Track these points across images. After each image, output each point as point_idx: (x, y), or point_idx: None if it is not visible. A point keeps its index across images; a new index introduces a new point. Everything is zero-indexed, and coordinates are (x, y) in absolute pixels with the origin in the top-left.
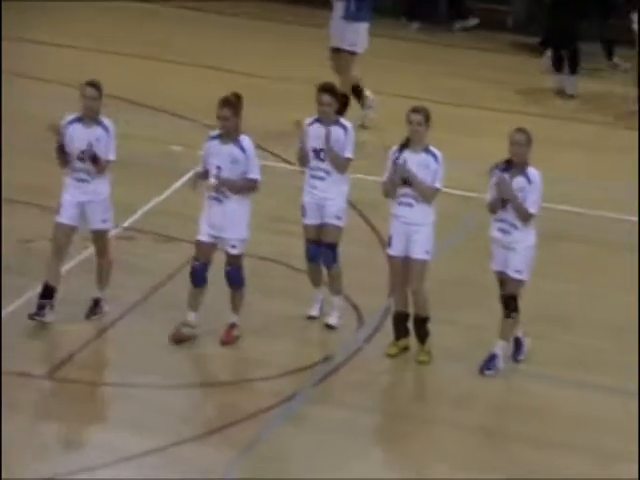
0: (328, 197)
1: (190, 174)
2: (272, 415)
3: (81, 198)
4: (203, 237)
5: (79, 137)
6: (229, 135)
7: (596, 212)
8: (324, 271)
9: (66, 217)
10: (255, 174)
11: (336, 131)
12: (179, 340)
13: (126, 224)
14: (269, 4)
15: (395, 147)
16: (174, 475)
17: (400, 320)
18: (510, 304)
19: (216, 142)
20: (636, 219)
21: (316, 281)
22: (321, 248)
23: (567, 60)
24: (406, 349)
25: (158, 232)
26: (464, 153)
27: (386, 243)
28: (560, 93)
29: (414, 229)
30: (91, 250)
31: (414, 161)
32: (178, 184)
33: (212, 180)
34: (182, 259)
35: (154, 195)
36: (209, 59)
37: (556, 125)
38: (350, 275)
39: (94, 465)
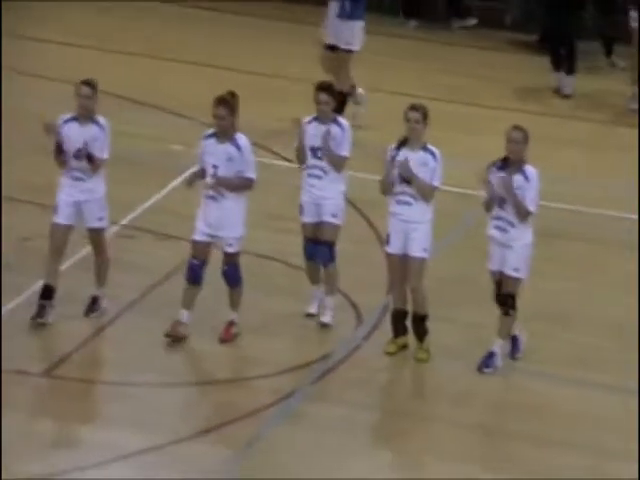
0: (325, 195)
1: (189, 173)
2: (271, 413)
3: (77, 197)
4: (199, 236)
5: (75, 136)
6: (225, 134)
7: (595, 210)
8: (322, 269)
9: (63, 217)
10: (251, 173)
11: (333, 129)
12: (173, 338)
13: (125, 222)
14: (274, 4)
15: (393, 145)
16: (172, 473)
17: (399, 318)
18: (508, 302)
19: (212, 141)
20: (636, 217)
21: (314, 279)
22: (318, 246)
23: (565, 59)
24: (405, 347)
25: (157, 230)
26: (462, 151)
27: (384, 241)
28: (558, 92)
29: (412, 227)
30: (89, 248)
31: (412, 159)
32: (177, 182)
33: (210, 180)
34: (180, 257)
35: (154, 193)
36: (217, 59)
37: (555, 123)
38: (349, 273)
39: (92, 463)
